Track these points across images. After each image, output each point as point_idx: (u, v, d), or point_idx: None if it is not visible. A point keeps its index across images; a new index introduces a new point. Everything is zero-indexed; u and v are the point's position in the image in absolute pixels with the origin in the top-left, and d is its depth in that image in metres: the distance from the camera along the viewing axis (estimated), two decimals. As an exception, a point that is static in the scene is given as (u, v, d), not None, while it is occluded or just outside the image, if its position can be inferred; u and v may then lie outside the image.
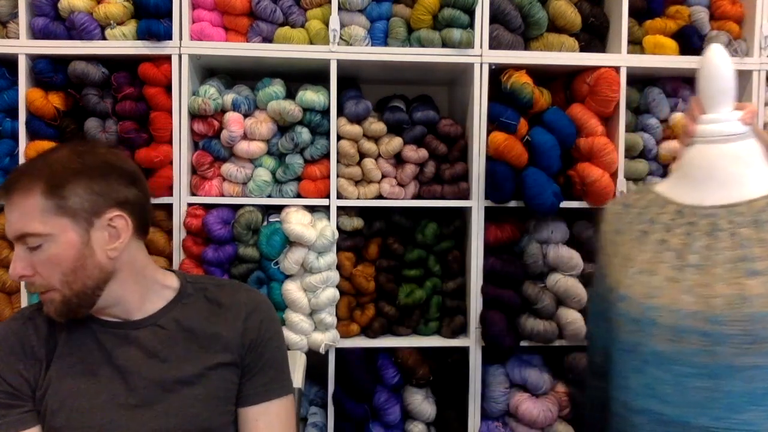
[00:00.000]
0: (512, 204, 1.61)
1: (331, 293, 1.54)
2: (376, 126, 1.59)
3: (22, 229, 0.82)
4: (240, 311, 0.96)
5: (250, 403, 0.93)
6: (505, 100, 1.59)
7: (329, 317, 1.55)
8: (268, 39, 1.58)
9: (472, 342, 1.64)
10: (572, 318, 1.61)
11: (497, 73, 1.61)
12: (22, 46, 1.51)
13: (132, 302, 0.91)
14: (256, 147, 1.55)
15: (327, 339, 1.55)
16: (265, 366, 0.95)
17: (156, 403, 0.87)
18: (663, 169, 1.72)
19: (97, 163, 0.87)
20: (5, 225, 0.85)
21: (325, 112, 1.57)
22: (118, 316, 0.92)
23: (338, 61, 1.56)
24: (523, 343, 1.63)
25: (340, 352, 1.60)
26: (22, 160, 1.52)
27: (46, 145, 1.51)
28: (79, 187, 0.83)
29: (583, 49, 1.64)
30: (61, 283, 0.84)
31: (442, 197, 1.62)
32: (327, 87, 1.57)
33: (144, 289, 0.92)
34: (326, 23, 1.57)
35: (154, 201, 1.52)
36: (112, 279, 0.88)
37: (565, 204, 1.60)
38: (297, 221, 1.52)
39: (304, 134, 1.56)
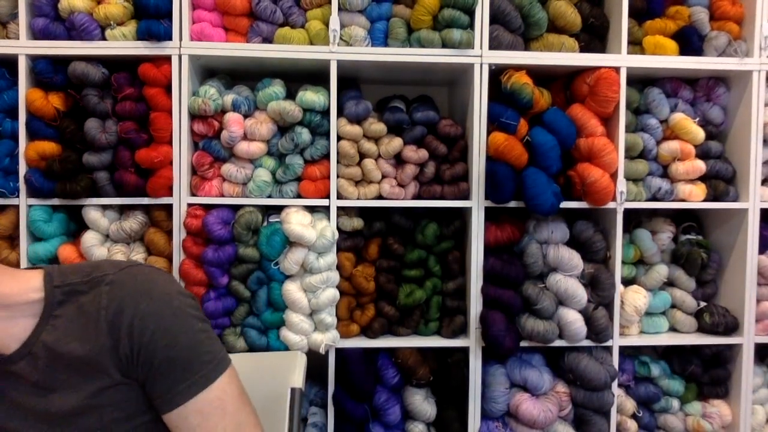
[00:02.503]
0: (512, 204, 1.61)
1: (331, 293, 1.54)
2: (376, 126, 1.59)
3: None
4: (101, 322, 0.78)
5: (164, 411, 0.80)
6: (505, 100, 1.59)
7: (329, 317, 1.55)
8: (268, 39, 1.58)
9: (472, 342, 1.64)
10: (572, 318, 1.61)
11: (497, 73, 1.61)
12: (22, 46, 1.51)
13: None
14: (256, 147, 1.55)
15: (327, 339, 1.55)
16: (159, 371, 0.78)
17: None
18: (663, 169, 1.72)
19: None
20: None
21: (325, 113, 1.57)
22: None
23: (338, 61, 1.56)
24: (523, 343, 1.63)
25: (340, 352, 1.60)
26: (22, 160, 1.52)
27: (46, 145, 1.51)
28: None
29: (583, 50, 1.64)
30: None
31: (442, 197, 1.62)
32: (327, 87, 1.57)
33: (1, 319, 0.78)
34: (326, 24, 1.57)
35: (155, 201, 1.54)
36: None
37: (565, 204, 1.60)
38: (297, 221, 1.52)
39: (304, 134, 1.56)
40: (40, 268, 0.83)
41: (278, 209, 1.60)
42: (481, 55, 1.58)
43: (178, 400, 0.79)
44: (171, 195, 1.55)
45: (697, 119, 1.71)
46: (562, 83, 1.72)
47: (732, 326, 1.71)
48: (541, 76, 1.67)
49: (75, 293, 0.81)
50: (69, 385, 0.79)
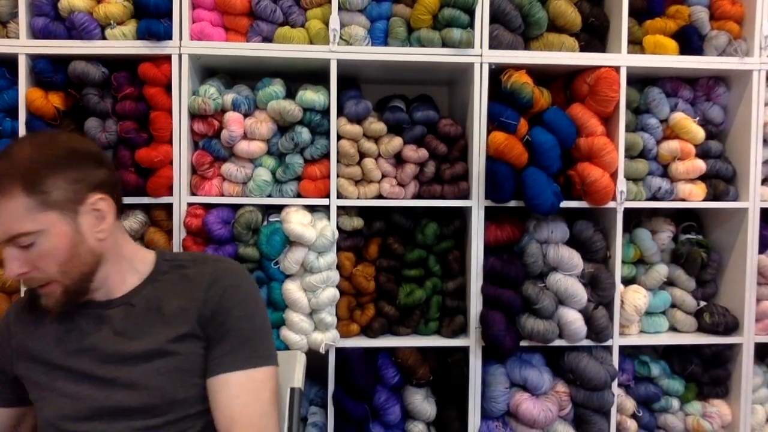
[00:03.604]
0: (512, 204, 1.61)
1: (331, 293, 1.54)
2: (376, 126, 1.59)
3: (11, 232, 0.83)
4: (202, 282, 0.94)
5: (211, 374, 0.91)
6: (505, 99, 1.59)
7: (329, 317, 1.55)
8: (268, 39, 1.58)
9: (472, 342, 1.64)
10: (572, 318, 1.61)
11: (497, 72, 1.61)
12: (22, 45, 1.51)
13: (114, 283, 0.95)
14: (256, 147, 1.55)
15: (327, 339, 1.55)
16: (226, 335, 0.92)
17: (120, 377, 0.89)
18: (663, 169, 1.72)
19: (66, 151, 0.88)
20: None
21: (325, 112, 1.57)
22: (100, 298, 0.95)
23: (338, 61, 1.56)
24: (523, 343, 1.63)
25: (340, 352, 1.60)
26: (22, 159, 1.52)
27: (46, 144, 1.51)
28: (57, 179, 0.85)
29: (583, 49, 1.64)
30: (60, 274, 0.87)
31: (442, 197, 1.62)
32: (327, 87, 1.57)
33: (124, 268, 0.96)
34: (326, 23, 1.57)
35: (155, 200, 1.54)
36: (102, 262, 0.92)
37: (565, 204, 1.60)
38: (297, 221, 1.52)
39: (304, 134, 1.55)
40: (154, 249, 1.04)
41: (278, 209, 1.60)
42: (481, 55, 1.58)
43: (228, 366, 0.90)
44: (171, 194, 1.54)
45: (697, 119, 1.71)
46: (562, 83, 1.72)
47: (732, 326, 1.71)
48: (541, 75, 1.67)
49: (180, 267, 0.98)
50: (151, 333, 0.91)
